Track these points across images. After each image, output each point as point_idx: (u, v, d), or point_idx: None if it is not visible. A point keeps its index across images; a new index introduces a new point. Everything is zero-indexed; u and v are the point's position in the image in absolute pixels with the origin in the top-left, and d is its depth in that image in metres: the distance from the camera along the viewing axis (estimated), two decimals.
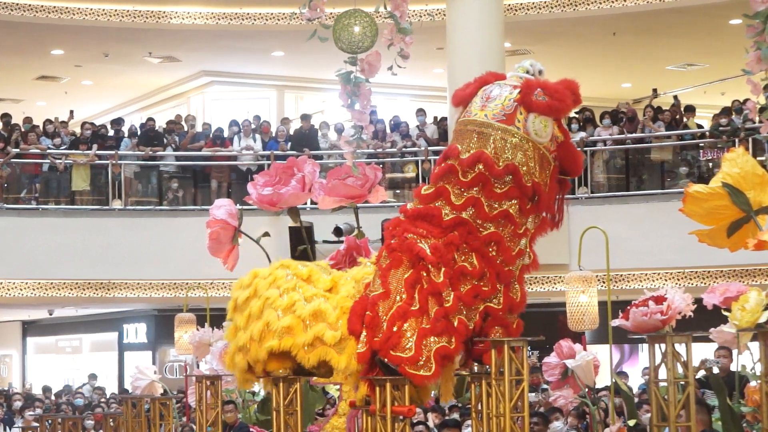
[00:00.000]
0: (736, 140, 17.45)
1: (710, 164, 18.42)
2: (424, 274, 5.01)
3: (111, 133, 21.08)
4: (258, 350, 5.23)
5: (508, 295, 5.12)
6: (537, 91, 5.14)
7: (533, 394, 14.56)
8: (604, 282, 10.14)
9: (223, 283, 19.11)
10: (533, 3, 20.89)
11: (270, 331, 5.19)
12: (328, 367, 5.23)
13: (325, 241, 15.57)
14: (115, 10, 21.25)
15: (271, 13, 21.49)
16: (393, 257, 5.09)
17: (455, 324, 4.99)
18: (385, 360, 4.92)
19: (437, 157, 18.69)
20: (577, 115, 20.28)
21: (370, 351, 4.96)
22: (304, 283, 5.32)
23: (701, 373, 7.44)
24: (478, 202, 5.07)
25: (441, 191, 5.15)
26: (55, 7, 20.97)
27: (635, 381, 17.33)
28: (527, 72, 5.29)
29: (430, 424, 11.53)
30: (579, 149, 5.35)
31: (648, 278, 18.85)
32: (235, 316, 5.42)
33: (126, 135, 20.79)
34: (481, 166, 5.06)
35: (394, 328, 4.93)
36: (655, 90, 22.85)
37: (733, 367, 7.79)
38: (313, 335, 5.11)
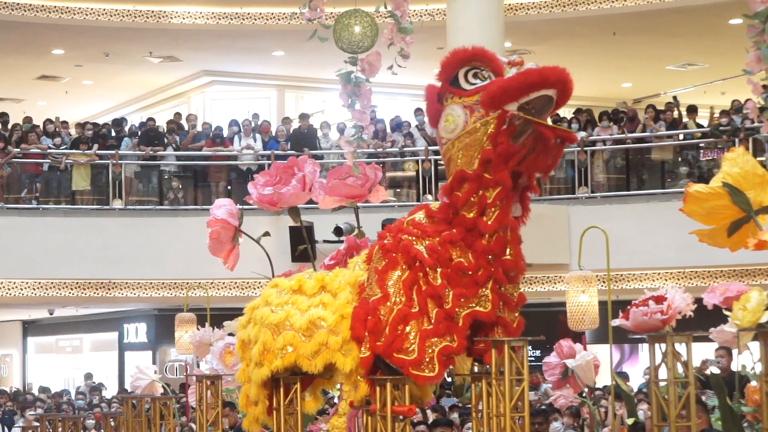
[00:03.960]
0: (737, 140, 17.47)
1: (709, 162, 18.46)
2: (421, 275, 5.00)
3: (112, 132, 21.12)
4: (259, 372, 5.21)
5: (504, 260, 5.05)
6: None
7: (532, 393, 14.57)
8: (604, 282, 10.14)
9: (224, 283, 19.15)
10: (533, 3, 20.90)
11: (269, 352, 5.19)
12: (331, 369, 5.22)
13: (325, 241, 15.58)
14: (116, 10, 21.27)
15: (272, 13, 21.51)
16: (388, 258, 5.06)
17: (460, 323, 4.97)
18: (388, 361, 4.92)
19: (437, 157, 18.57)
20: (576, 115, 20.31)
21: (372, 356, 4.95)
22: (296, 295, 5.28)
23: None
24: (459, 217, 5.06)
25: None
26: (55, 6, 20.99)
27: (636, 381, 17.33)
28: None
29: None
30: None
31: (648, 278, 18.87)
32: (245, 356, 5.41)
33: (126, 134, 20.81)
34: (443, 195, 5.10)
35: (397, 332, 4.93)
36: (675, 97, 22.66)
37: (733, 367, 7.79)
38: (317, 343, 5.10)
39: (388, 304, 4.96)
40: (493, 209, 4.96)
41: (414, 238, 5.05)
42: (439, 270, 4.98)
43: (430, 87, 5.14)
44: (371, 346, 4.94)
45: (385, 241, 5.13)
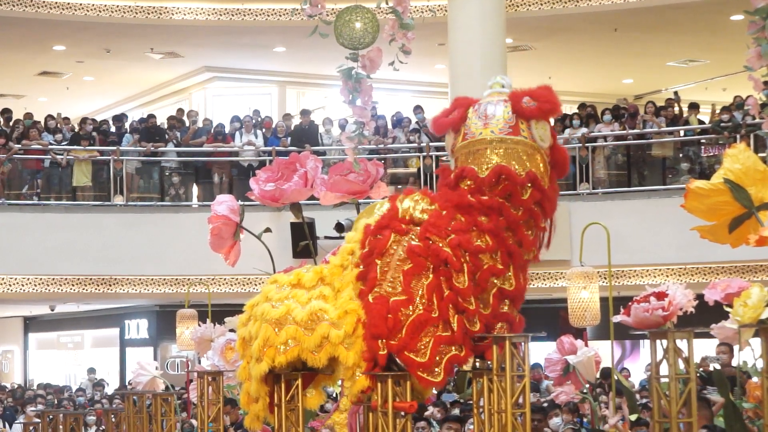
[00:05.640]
0: (738, 136, 17.46)
1: (711, 159, 18.45)
2: (444, 279, 5.03)
3: (113, 129, 21.11)
4: (259, 367, 5.20)
5: (518, 279, 5.15)
6: (524, 99, 5.24)
7: (533, 392, 14.55)
8: (605, 278, 10.13)
9: (225, 279, 19.15)
10: None
11: (271, 347, 5.18)
12: (334, 363, 5.22)
13: (326, 237, 15.56)
14: (117, 6, 21.26)
15: (273, 9, 21.50)
16: (416, 262, 5.07)
17: (490, 301, 5.06)
18: (397, 358, 4.94)
19: (439, 153, 18.43)
20: (578, 111, 20.30)
21: (387, 354, 4.97)
22: (296, 289, 5.28)
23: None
24: (504, 206, 5.13)
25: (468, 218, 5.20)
26: (56, 2, 20.97)
27: (637, 377, 17.33)
28: (503, 87, 5.34)
29: (432, 417, 11.54)
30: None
31: (649, 274, 18.86)
32: (245, 353, 5.41)
33: (127, 131, 20.81)
34: (504, 178, 5.15)
35: (413, 334, 4.96)
36: (676, 93, 22.67)
37: (733, 363, 7.78)
38: (320, 336, 5.10)
39: (411, 307, 4.99)
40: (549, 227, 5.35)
41: (440, 239, 5.08)
42: (465, 270, 5.03)
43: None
44: (387, 344, 4.97)
45: (413, 243, 5.11)
